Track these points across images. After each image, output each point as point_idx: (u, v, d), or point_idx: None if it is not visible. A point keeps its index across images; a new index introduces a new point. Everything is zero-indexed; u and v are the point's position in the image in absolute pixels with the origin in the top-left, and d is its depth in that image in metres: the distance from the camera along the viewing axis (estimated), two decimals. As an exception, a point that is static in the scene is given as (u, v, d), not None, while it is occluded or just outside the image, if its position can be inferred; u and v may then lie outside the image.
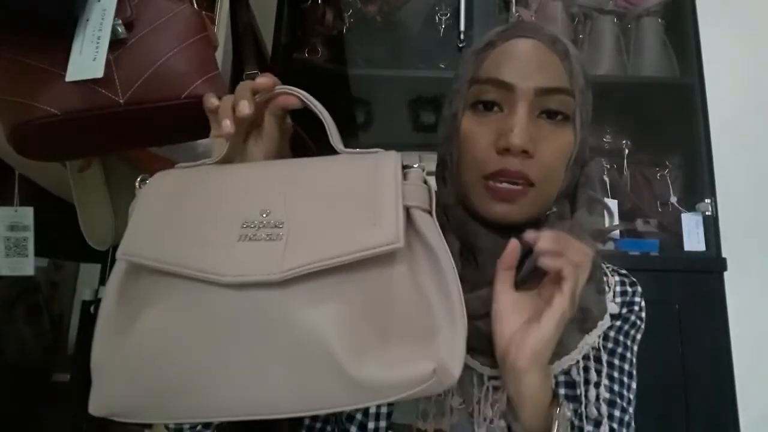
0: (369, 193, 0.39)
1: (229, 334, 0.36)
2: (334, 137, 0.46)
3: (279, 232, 0.37)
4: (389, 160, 0.42)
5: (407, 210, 0.40)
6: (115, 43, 0.51)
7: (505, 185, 0.51)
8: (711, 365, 1.16)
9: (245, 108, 0.46)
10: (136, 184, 0.45)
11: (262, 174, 0.43)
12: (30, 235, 0.93)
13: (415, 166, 0.43)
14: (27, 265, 0.93)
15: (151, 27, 0.53)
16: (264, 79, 0.48)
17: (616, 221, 1.28)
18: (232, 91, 0.48)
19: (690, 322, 1.17)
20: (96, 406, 0.38)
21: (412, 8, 1.44)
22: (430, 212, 0.41)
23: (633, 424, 0.55)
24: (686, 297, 1.18)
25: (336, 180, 0.41)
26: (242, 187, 0.42)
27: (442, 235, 0.40)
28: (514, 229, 0.53)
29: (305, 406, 0.37)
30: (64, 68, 0.49)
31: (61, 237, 0.95)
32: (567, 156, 0.54)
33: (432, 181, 0.46)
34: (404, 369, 0.36)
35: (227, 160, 0.47)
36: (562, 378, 0.55)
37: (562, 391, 0.54)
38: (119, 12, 0.51)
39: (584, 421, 0.53)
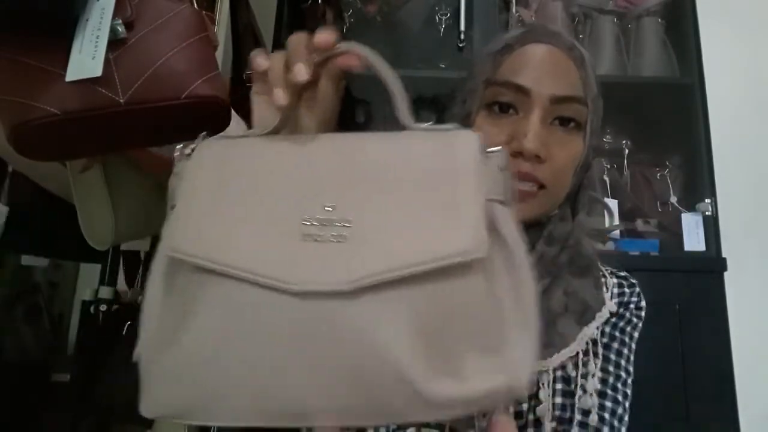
0: (448, 183, 0.35)
1: (288, 344, 0.33)
2: (402, 109, 0.40)
3: (346, 232, 0.34)
4: (470, 143, 0.37)
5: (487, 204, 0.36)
6: (116, 43, 0.51)
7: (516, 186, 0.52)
8: (711, 365, 1.16)
9: (302, 73, 0.39)
10: (176, 154, 0.40)
11: (322, 155, 0.39)
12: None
13: (496, 149, 0.38)
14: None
15: (152, 27, 0.53)
16: (325, 36, 0.41)
17: (616, 221, 1.28)
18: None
19: (690, 322, 1.17)
20: (148, 408, 0.36)
21: (412, 8, 1.44)
22: (508, 203, 0.38)
23: (626, 418, 0.56)
24: (686, 297, 1.18)
25: (409, 165, 0.37)
26: (300, 173, 0.37)
27: (519, 232, 0.37)
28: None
29: (369, 421, 0.35)
30: (64, 68, 0.49)
31: (61, 237, 0.95)
32: (576, 162, 0.56)
33: None
34: (477, 383, 0.33)
35: (277, 131, 0.42)
36: (559, 373, 0.55)
37: (559, 386, 0.55)
38: (119, 11, 0.51)
39: (575, 412, 0.53)
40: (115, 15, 0.51)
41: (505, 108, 0.55)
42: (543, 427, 0.53)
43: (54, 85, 0.49)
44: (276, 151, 0.40)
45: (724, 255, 1.24)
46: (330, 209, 0.35)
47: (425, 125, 0.39)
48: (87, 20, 0.50)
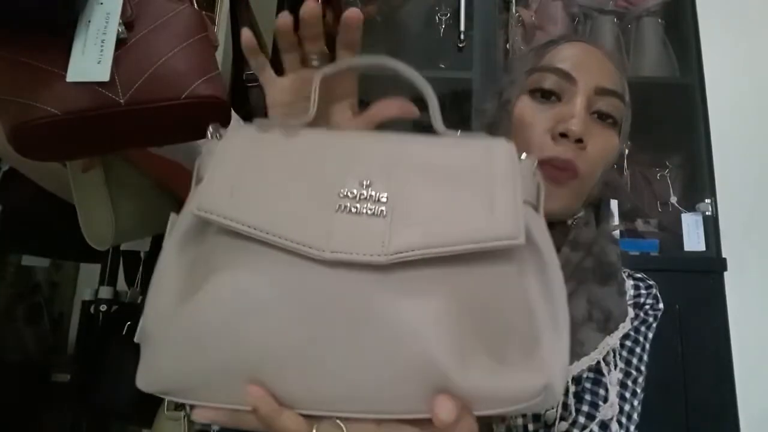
0: (483, 177, 0.35)
1: (317, 316, 0.31)
2: (437, 117, 0.41)
3: (382, 207, 0.33)
4: (504, 146, 0.37)
5: None
6: (116, 43, 0.51)
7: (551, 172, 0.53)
8: (711, 365, 1.16)
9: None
10: (208, 134, 0.39)
11: (360, 141, 0.38)
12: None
13: (523, 156, 0.38)
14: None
15: (152, 27, 0.53)
16: (353, 13, 0.49)
17: (616, 221, 1.28)
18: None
19: (690, 321, 1.17)
20: (145, 381, 0.34)
21: (412, 8, 1.44)
22: (537, 209, 0.37)
23: (635, 416, 0.56)
24: (686, 297, 1.18)
25: (444, 157, 0.36)
26: (337, 153, 0.36)
27: (550, 237, 0.36)
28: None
29: (393, 409, 0.32)
30: (65, 68, 0.49)
31: (61, 237, 0.95)
32: (609, 158, 0.56)
33: None
34: (511, 380, 0.32)
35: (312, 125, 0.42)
36: (591, 375, 0.55)
37: (588, 385, 0.54)
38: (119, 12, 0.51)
39: (580, 415, 0.53)
40: (115, 15, 0.51)
41: (547, 95, 0.55)
42: (551, 430, 0.53)
43: (54, 85, 0.49)
44: (313, 136, 0.39)
45: (724, 255, 1.24)
46: (366, 185, 0.34)
47: (457, 132, 0.40)
48: (89, 22, 0.50)
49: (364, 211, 0.33)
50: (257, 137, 0.38)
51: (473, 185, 0.34)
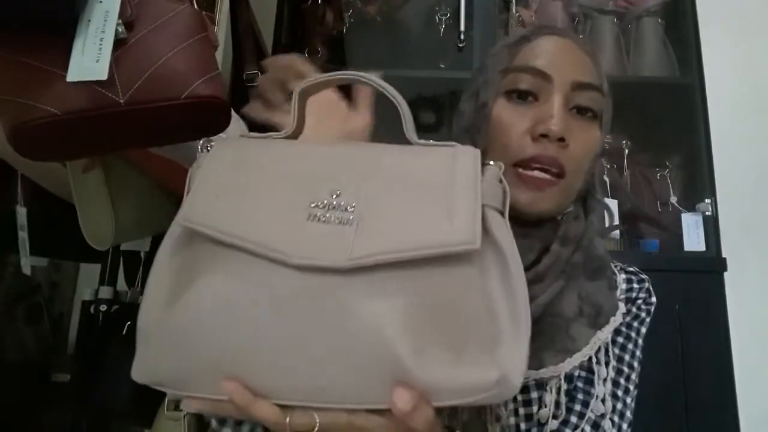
0: (446, 186, 0.38)
1: (287, 316, 0.35)
2: (409, 128, 0.44)
3: (349, 216, 0.36)
4: (468, 154, 0.40)
5: (482, 208, 0.38)
6: (116, 43, 0.51)
7: (536, 173, 0.52)
8: (711, 365, 1.16)
9: None
10: (199, 147, 0.43)
11: (333, 153, 0.41)
12: (26, 235, 0.92)
13: (491, 163, 0.41)
14: (24, 265, 0.93)
15: (152, 27, 0.53)
16: None
17: (616, 221, 1.28)
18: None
19: (690, 322, 1.17)
20: (140, 373, 0.37)
21: (412, 8, 1.44)
22: (502, 213, 0.40)
23: (628, 413, 0.56)
24: (686, 297, 1.18)
25: (411, 167, 0.40)
26: (311, 165, 0.40)
27: (513, 239, 0.38)
28: (533, 225, 0.54)
29: (359, 400, 0.35)
30: (65, 68, 0.49)
31: (61, 237, 0.95)
32: (593, 153, 0.55)
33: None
34: (468, 373, 0.34)
35: (294, 136, 0.46)
36: (583, 373, 0.55)
37: (580, 384, 0.54)
38: (119, 12, 0.51)
39: (572, 414, 0.53)
40: (115, 15, 0.51)
41: (524, 95, 0.55)
42: (544, 428, 0.53)
43: (54, 85, 0.49)
44: (291, 149, 0.43)
45: (724, 255, 1.25)
46: (335, 195, 0.37)
47: (429, 142, 0.43)
48: (89, 21, 0.50)
49: (333, 219, 0.36)
50: (241, 151, 0.42)
51: (436, 194, 0.37)
